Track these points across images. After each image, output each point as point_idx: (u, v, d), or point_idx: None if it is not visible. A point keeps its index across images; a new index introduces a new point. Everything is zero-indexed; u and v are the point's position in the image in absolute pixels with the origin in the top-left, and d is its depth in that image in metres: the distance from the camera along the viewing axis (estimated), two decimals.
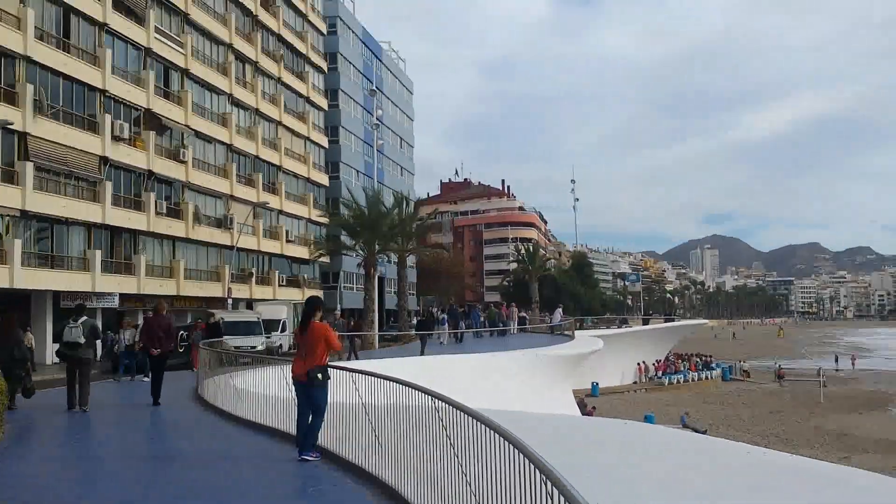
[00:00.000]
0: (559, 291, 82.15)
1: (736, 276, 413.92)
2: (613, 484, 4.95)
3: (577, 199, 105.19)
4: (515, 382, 25.25)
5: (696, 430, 28.77)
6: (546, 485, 3.35)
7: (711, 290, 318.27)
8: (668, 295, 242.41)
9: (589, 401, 39.79)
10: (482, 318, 39.05)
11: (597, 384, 46.75)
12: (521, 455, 3.81)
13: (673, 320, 70.63)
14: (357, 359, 21.38)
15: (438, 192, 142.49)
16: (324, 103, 62.63)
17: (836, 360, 73.83)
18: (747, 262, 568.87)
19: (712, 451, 5.85)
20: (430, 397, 5.96)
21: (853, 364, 71.10)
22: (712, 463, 5.61)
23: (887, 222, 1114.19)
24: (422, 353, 26.06)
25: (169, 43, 42.15)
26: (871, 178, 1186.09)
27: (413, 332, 38.58)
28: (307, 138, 59.29)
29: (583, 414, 31.54)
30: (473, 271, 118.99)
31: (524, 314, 47.78)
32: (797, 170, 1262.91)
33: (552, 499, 3.24)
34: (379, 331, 39.52)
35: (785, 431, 33.77)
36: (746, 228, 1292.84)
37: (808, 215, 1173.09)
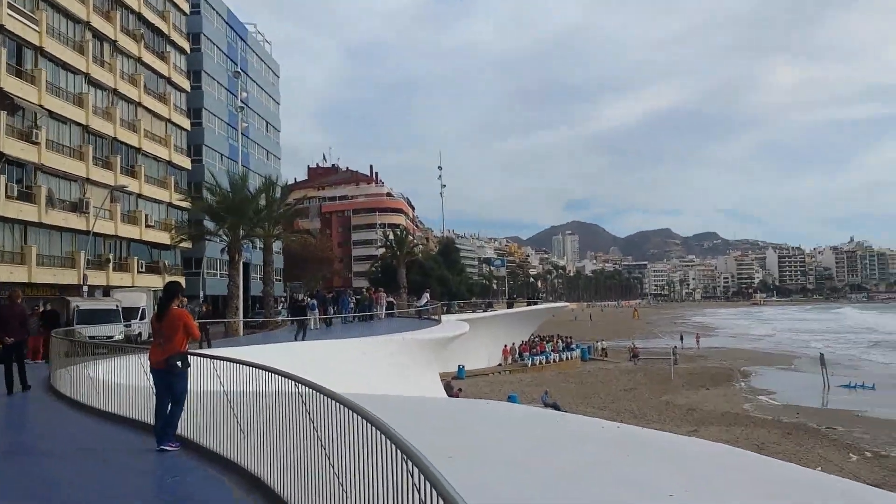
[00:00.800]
0: (427, 276, 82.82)
1: (595, 261, 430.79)
2: (475, 462, 5.06)
3: (444, 186, 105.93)
4: (383, 367, 25.35)
5: (556, 408, 29.81)
6: (407, 464, 3.40)
7: (572, 274, 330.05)
8: (532, 279, 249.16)
9: (455, 383, 40.41)
10: (351, 304, 38.90)
11: (463, 367, 47.57)
12: (383, 436, 3.85)
13: (536, 303, 72.72)
14: (210, 347, 20.83)
15: (306, 178, 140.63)
16: (186, 85, 60.43)
17: (682, 339, 78.25)
18: (605, 248, 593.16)
19: (567, 426, 6.10)
20: (292, 382, 5.91)
21: (697, 343, 75.43)
22: (568, 438, 5.84)
23: (731, 209, 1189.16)
24: (303, 338, 26.06)
25: (22, 20, 39.50)
26: (716, 168, 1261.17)
27: (280, 318, 38.10)
28: (168, 120, 57.07)
29: (449, 396, 32.02)
30: (341, 257, 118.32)
31: (392, 299, 47.99)
32: (651, 159, 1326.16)
33: (413, 477, 3.29)
34: (244, 318, 38.64)
35: (638, 407, 35.49)
36: (605, 215, 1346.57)
37: (661, 203, 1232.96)
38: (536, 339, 63.14)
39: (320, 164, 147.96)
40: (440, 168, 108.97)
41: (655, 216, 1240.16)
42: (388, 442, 3.70)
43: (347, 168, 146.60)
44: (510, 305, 76.00)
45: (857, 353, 67.25)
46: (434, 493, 2.93)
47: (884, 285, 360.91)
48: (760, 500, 3.50)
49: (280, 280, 73.33)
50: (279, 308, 42.94)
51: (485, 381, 46.87)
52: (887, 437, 27.40)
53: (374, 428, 4.00)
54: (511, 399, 34.15)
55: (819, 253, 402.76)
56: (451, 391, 35.31)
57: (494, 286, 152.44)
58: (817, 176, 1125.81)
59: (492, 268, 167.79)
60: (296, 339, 25.95)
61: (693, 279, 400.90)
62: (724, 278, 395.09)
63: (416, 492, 3.20)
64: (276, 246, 57.99)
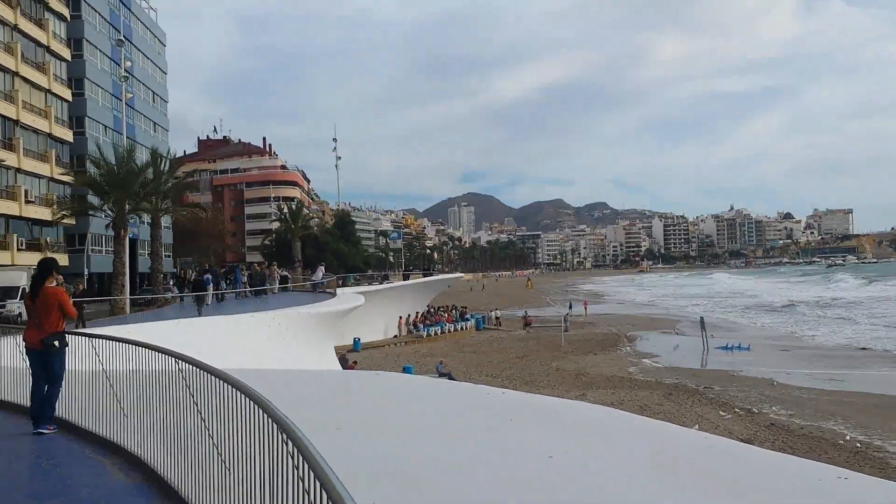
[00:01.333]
0: (322, 250, 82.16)
1: (490, 232, 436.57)
2: (362, 432, 5.14)
3: (340, 158, 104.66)
4: (277, 342, 25.12)
5: (449, 377, 30.27)
6: (282, 435, 3.44)
7: (468, 245, 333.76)
8: (428, 251, 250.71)
9: (350, 356, 40.42)
10: (244, 279, 38.22)
11: (358, 339, 47.59)
12: (260, 409, 3.87)
13: (431, 275, 73.13)
14: (84, 328, 20.12)
15: (196, 150, 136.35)
16: (66, 53, 57.34)
17: (570, 307, 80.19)
18: (500, 218, 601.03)
19: (455, 394, 6.26)
20: (174, 359, 5.83)
21: (585, 309, 77.44)
22: (455, 405, 6.00)
23: (620, 179, 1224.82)
24: (199, 314, 25.70)
25: None
26: (606, 140, 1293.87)
27: (171, 294, 37.06)
28: (48, 91, 54.10)
29: (344, 369, 32.01)
30: (234, 231, 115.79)
31: (286, 273, 47.41)
32: (544, 132, 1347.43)
33: (287, 447, 3.34)
34: (131, 295, 37.37)
35: (530, 374, 36.43)
36: (500, 186, 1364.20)
37: (554, 174, 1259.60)
38: (432, 311, 63.69)
39: (211, 137, 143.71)
40: (335, 140, 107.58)
41: (549, 187, 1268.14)
42: (264, 415, 3.73)
43: (240, 140, 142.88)
44: (406, 277, 76.34)
45: (733, 317, 70.88)
46: (305, 464, 2.98)
47: (760, 251, 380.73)
48: (633, 457, 3.72)
49: (170, 256, 71.22)
50: (169, 284, 41.77)
51: (381, 354, 47.05)
52: (758, 395, 29.11)
53: (250, 401, 4.02)
54: (406, 370, 34.44)
55: (702, 221, 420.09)
56: (346, 364, 35.30)
57: (391, 258, 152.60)
58: (699, 147, 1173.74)
59: (388, 240, 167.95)
60: (200, 315, 25.74)
61: (584, 248, 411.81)
62: (614, 247, 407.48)
63: (291, 464, 3.25)
64: (166, 221, 56.21)
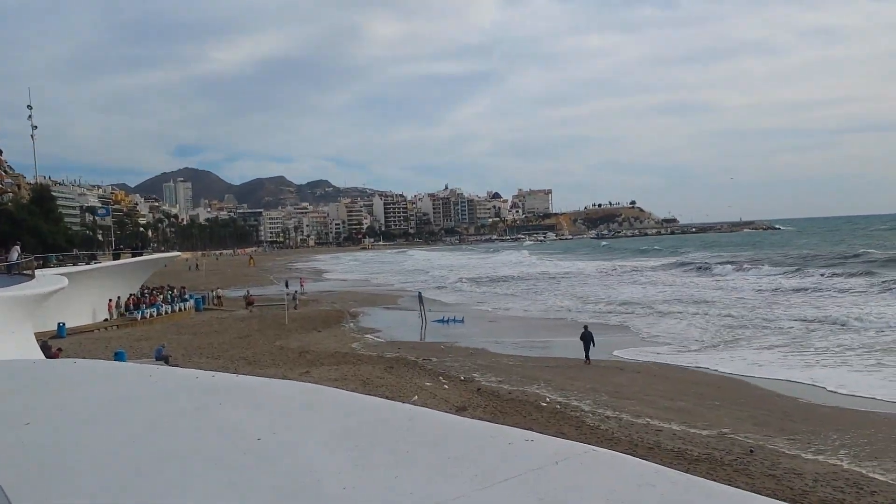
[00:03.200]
0: (18, 227, 74.27)
1: (209, 209, 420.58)
2: (53, 425, 4.72)
3: (36, 128, 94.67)
4: None
5: (165, 361, 28.89)
6: None
7: (186, 222, 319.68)
8: (142, 229, 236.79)
9: (55, 342, 37.05)
10: None
11: (63, 324, 43.82)
12: None
13: (141, 254, 68.70)
14: None
15: None
16: None
17: (287, 285, 79.61)
18: (220, 195, 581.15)
19: (161, 379, 5.95)
20: None
21: (301, 286, 77.27)
22: (160, 391, 5.68)
23: (339, 157, 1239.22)
24: None
25: None
26: (325, 117, 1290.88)
27: None
28: None
29: (47, 357, 29.24)
30: None
31: None
32: (262, 106, 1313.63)
33: None
34: None
35: (253, 354, 35.80)
36: (218, 161, 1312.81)
37: (274, 150, 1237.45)
38: (147, 292, 60.21)
39: None
40: (30, 108, 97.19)
41: (270, 163, 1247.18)
42: None
43: None
44: (116, 257, 71.32)
45: (446, 293, 74.85)
46: None
47: (473, 228, 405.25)
48: (339, 433, 3.76)
49: None
50: None
51: (90, 339, 43.70)
52: (472, 364, 31.08)
53: None
54: (118, 356, 32.26)
55: (419, 200, 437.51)
56: (49, 352, 32.27)
57: (100, 237, 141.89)
58: (413, 127, 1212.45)
59: (96, 217, 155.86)
60: None
61: (307, 226, 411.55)
62: (336, 224, 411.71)
63: None
64: None
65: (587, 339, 31.99)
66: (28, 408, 5.36)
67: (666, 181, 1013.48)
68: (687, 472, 3.31)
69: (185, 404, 4.88)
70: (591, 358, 31.51)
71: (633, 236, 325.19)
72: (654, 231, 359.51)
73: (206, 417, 4.47)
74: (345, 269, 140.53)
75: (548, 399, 23.89)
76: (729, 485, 3.01)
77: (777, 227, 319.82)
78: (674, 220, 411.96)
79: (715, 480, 3.74)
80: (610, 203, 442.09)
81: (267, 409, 4.57)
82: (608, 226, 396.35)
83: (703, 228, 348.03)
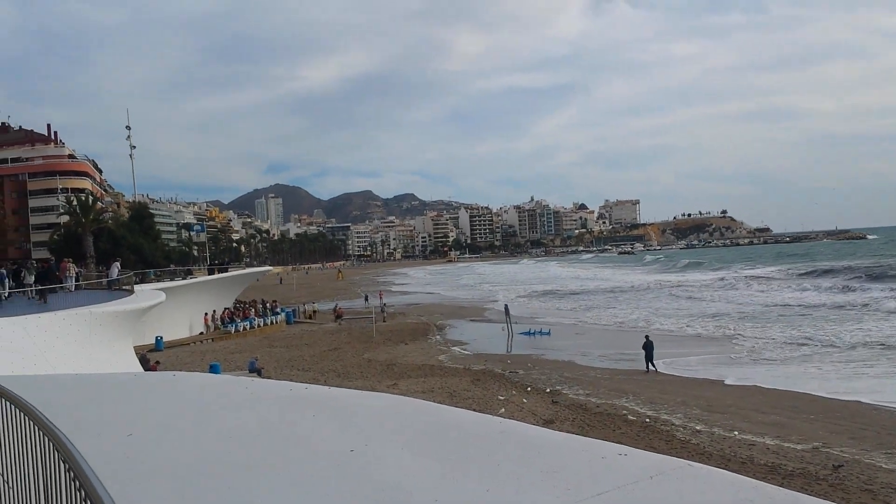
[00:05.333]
0: (118, 244, 77.63)
1: (299, 224, 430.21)
2: (154, 435, 4.88)
3: (135, 147, 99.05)
4: (68, 345, 23.40)
5: (258, 374, 29.65)
6: (57, 453, 3.17)
7: (276, 237, 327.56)
8: (235, 244, 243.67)
9: (152, 355, 38.48)
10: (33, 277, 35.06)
11: (161, 338, 45.46)
12: (27, 418, 3.56)
13: (227, 269, 70.31)
14: None
15: None
16: None
17: (367, 299, 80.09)
18: (309, 210, 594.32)
19: (255, 390, 6.10)
20: None
21: (381, 299, 77.66)
22: (253, 402, 5.82)
23: (425, 171, 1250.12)
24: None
25: None
26: (411, 132, 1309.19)
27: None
28: None
29: (145, 370, 30.42)
30: (17, 226, 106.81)
31: (78, 270, 44.25)
32: (349, 122, 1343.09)
33: (58, 454, 3.08)
34: None
35: (342, 367, 36.35)
36: (307, 178, 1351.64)
37: (361, 165, 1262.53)
38: (240, 305, 61.95)
39: None
40: (129, 128, 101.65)
41: (357, 178, 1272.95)
42: (30, 422, 3.43)
43: (21, 127, 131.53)
44: (211, 272, 73.63)
45: (533, 303, 74.36)
46: (72, 474, 2.76)
47: (559, 240, 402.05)
48: (430, 446, 3.76)
49: None
50: None
51: (186, 352, 45.23)
52: (559, 376, 30.76)
53: (19, 411, 3.69)
54: (213, 368, 33.31)
55: (504, 212, 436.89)
56: (147, 364, 33.56)
57: (195, 252, 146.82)
58: (498, 140, 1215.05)
59: (191, 233, 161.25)
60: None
61: (394, 239, 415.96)
62: (423, 237, 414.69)
63: (65, 474, 3.00)
64: None
65: (648, 348, 32.45)
66: (131, 419, 5.57)
67: (758, 189, 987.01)
68: (781, 487, 3.18)
69: (280, 416, 4.98)
70: (656, 367, 31.81)
71: (724, 246, 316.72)
72: (747, 241, 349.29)
73: (300, 429, 4.54)
74: (428, 281, 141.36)
75: (638, 412, 23.43)
76: (825, 500, 2.88)
77: (866, 236, 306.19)
78: (766, 230, 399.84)
79: (810, 495, 3.60)
80: (700, 213, 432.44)
81: (358, 421, 4.61)
82: (698, 236, 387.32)
83: (796, 238, 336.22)
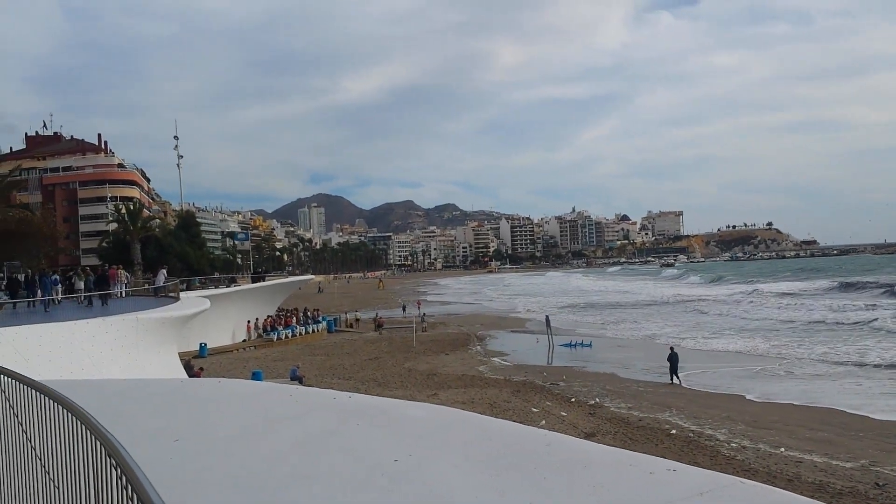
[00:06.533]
0: (165, 252, 78.86)
1: (341, 233, 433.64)
2: (201, 442, 4.93)
3: (182, 157, 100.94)
4: (115, 350, 23.83)
5: (299, 382, 29.86)
6: (109, 460, 3.21)
7: (319, 246, 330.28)
8: (278, 252, 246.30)
9: (196, 362, 39.01)
10: (58, 285, 35.56)
11: (205, 345, 46.05)
12: (81, 424, 3.61)
13: (263, 278, 70.90)
14: None
15: (24, 147, 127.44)
16: None
17: (404, 309, 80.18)
18: (351, 220, 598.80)
19: (301, 399, 6.13)
20: None
21: (418, 308, 77.78)
22: (300, 411, 5.86)
23: (465, 181, 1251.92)
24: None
25: None
26: (452, 143, 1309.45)
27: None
28: None
29: (190, 376, 30.83)
30: (68, 233, 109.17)
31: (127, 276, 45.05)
32: (390, 133, 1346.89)
33: (111, 465, 3.11)
34: None
35: (383, 376, 36.44)
36: (349, 187, 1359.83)
37: (403, 175, 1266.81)
38: (283, 313, 62.53)
39: (40, 132, 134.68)
40: (176, 138, 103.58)
41: (398, 188, 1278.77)
42: (85, 429, 3.48)
43: (72, 137, 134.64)
44: (258, 280, 74.47)
45: (575, 315, 73.82)
46: (124, 480, 2.78)
47: (600, 251, 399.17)
48: (476, 457, 3.74)
49: None
50: None
51: (229, 359, 45.72)
52: (600, 389, 30.47)
53: (72, 416, 3.74)
54: (255, 375, 33.63)
55: (546, 222, 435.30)
56: (191, 371, 34.03)
57: (239, 261, 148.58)
58: (539, 150, 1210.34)
59: (235, 242, 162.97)
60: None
61: (435, 249, 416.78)
62: (463, 248, 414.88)
63: (117, 482, 3.03)
64: None
65: (673, 360, 32.29)
66: (177, 425, 5.63)
67: (804, 202, 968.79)
68: None
69: (324, 425, 4.99)
70: (680, 380, 31.83)
71: (769, 258, 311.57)
72: (793, 253, 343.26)
73: (345, 438, 4.54)
74: (471, 291, 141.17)
75: (681, 427, 23.10)
76: None
77: None
78: (813, 242, 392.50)
79: None
80: (745, 224, 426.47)
81: (402, 431, 4.60)
82: (743, 248, 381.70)
83: (844, 251, 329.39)
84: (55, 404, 4.07)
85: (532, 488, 3.02)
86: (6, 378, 5.00)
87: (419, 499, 3.09)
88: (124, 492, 2.84)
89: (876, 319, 52.02)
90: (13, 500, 4.85)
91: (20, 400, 4.80)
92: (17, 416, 4.75)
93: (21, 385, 4.75)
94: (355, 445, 4.34)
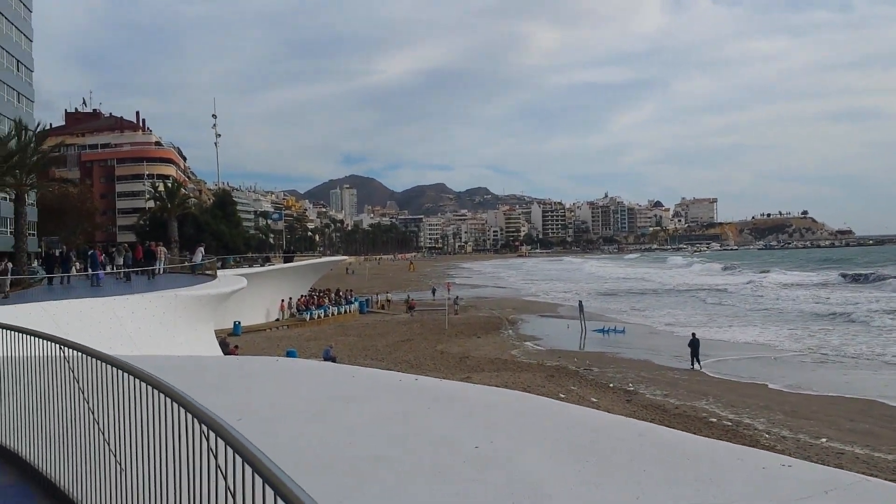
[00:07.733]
0: (201, 230, 79.65)
1: (372, 215, 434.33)
2: (267, 420, 4.88)
3: (220, 136, 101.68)
4: (154, 326, 24.09)
5: (334, 362, 29.98)
6: (201, 427, 3.15)
7: (350, 227, 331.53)
8: (310, 233, 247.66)
9: (231, 340, 39.36)
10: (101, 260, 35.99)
11: (239, 323, 46.43)
12: (171, 401, 3.55)
13: (292, 259, 71.00)
14: None
15: (63, 124, 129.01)
16: None
17: (434, 293, 79.84)
18: (382, 202, 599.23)
19: (359, 379, 6.06)
20: (57, 345, 5.34)
21: (448, 290, 77.36)
22: (363, 391, 5.79)
23: (498, 165, 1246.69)
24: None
25: None
26: (484, 125, 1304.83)
27: (39, 276, 34.77)
28: None
29: (225, 353, 31.09)
30: (105, 210, 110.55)
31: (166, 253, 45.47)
32: (423, 116, 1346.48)
33: (209, 441, 3.04)
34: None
35: (415, 357, 36.49)
36: (381, 169, 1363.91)
37: (435, 158, 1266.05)
38: (315, 294, 62.86)
39: (80, 110, 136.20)
40: (214, 117, 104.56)
41: (430, 171, 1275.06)
42: (178, 407, 3.43)
43: (111, 114, 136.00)
44: (287, 260, 74.89)
45: (601, 302, 73.25)
46: (237, 457, 2.70)
47: (632, 237, 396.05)
48: (560, 444, 3.64)
49: (34, 234, 67.11)
50: (34, 265, 39.34)
51: (262, 337, 46.08)
52: (635, 375, 30.23)
53: (159, 393, 3.69)
54: (290, 354, 33.84)
55: (578, 207, 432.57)
56: (227, 349, 34.32)
57: (272, 240, 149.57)
58: (572, 135, 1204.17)
59: (269, 221, 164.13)
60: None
61: (466, 232, 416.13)
62: (494, 231, 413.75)
63: (212, 458, 2.97)
64: (31, 197, 53.01)
65: (694, 346, 32.35)
66: (234, 402, 5.59)
67: (841, 191, 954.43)
68: None
69: (392, 407, 4.91)
70: (701, 366, 31.92)
71: (804, 248, 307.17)
72: (828, 243, 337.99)
73: (416, 421, 4.45)
74: (503, 275, 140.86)
75: (719, 415, 22.84)
76: None
77: None
78: (849, 232, 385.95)
79: None
80: (780, 213, 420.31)
81: (477, 416, 4.50)
82: (777, 236, 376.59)
83: (880, 241, 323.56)
84: (140, 382, 4.02)
85: (633, 482, 2.90)
86: (71, 351, 4.98)
87: (510, 489, 2.99)
88: (223, 476, 2.77)
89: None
90: (74, 476, 4.84)
91: (84, 374, 4.78)
92: (83, 392, 4.73)
93: (89, 359, 4.72)
94: (430, 429, 4.26)
